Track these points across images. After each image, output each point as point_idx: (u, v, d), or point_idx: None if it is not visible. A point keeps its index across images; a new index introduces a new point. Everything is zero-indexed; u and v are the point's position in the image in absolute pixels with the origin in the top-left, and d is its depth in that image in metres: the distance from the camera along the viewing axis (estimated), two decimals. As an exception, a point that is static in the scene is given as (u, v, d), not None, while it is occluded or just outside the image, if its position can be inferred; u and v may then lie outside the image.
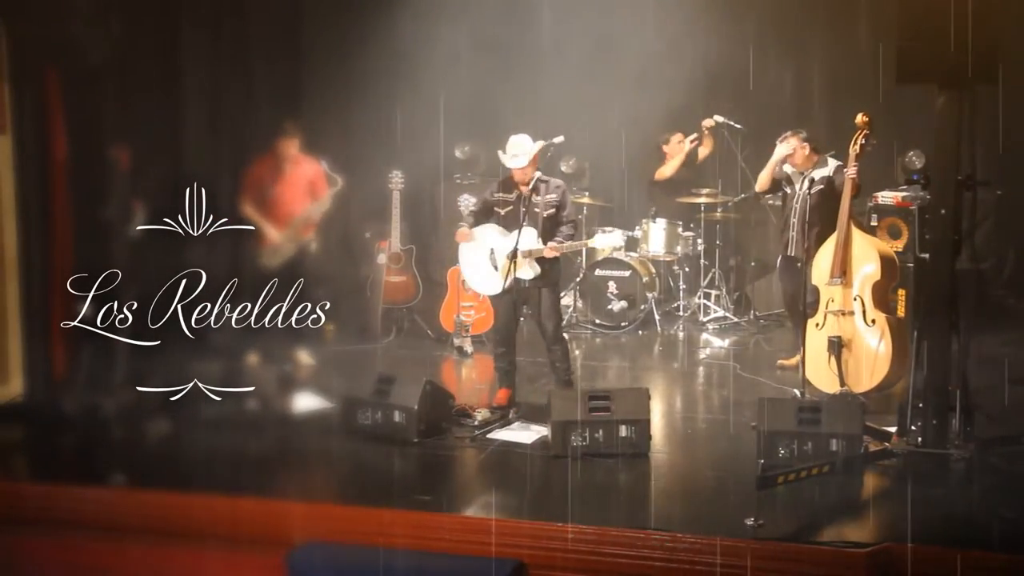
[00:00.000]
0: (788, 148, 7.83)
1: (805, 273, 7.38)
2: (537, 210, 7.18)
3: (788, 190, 7.97)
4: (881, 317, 7.21)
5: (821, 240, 7.50)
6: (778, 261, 8.29)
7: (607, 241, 7.93)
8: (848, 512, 5.83)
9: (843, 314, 7.27)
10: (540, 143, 7.14)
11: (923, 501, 5.74)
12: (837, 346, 7.18)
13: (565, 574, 5.37)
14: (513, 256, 6.96)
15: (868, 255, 7.30)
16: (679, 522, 5.52)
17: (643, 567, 5.29)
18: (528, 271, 7.16)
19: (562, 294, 8.43)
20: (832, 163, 7.79)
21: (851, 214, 7.34)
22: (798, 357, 7.52)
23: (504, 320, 7.26)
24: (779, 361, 8.39)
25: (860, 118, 7.27)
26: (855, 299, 7.26)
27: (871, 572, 5.11)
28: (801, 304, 7.45)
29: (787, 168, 7.93)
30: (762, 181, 8.08)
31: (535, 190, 7.15)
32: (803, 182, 7.73)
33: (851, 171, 7.32)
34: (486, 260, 7.31)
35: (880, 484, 6.22)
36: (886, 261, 7.32)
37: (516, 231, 7.08)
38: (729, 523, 5.40)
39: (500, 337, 7.30)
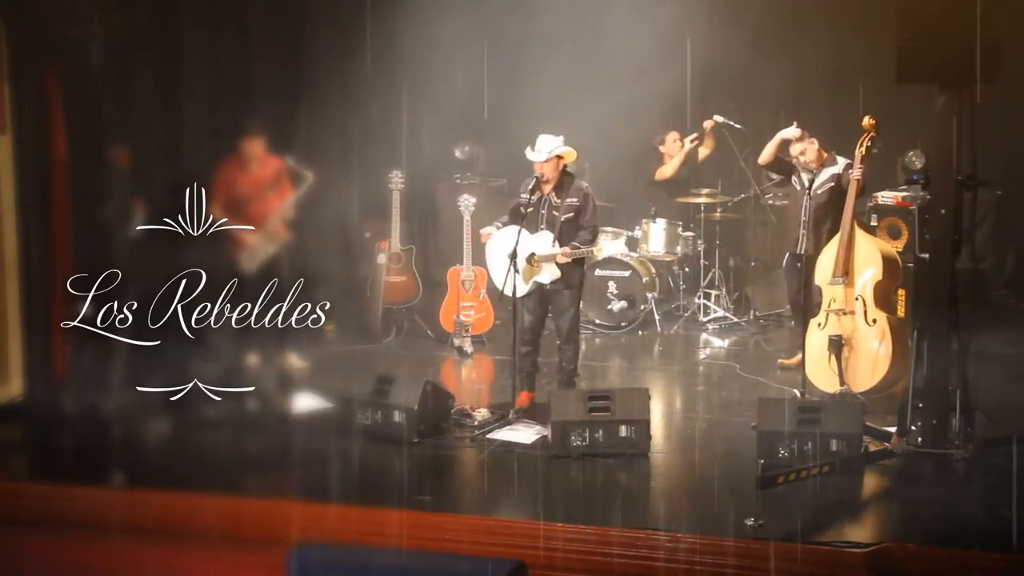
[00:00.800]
0: (793, 134, 7.84)
1: (804, 272, 7.39)
2: (556, 213, 7.18)
3: (798, 187, 7.95)
4: (882, 317, 7.21)
5: (830, 238, 7.51)
6: (785, 259, 8.26)
7: (612, 249, 8.22)
8: (848, 512, 5.83)
9: (844, 313, 7.27)
10: (561, 144, 7.11)
11: (923, 501, 5.76)
12: (838, 345, 7.18)
13: (565, 574, 5.37)
14: (513, 257, 6.94)
15: (871, 255, 7.30)
16: (679, 522, 5.52)
17: (643, 567, 5.29)
18: (546, 275, 7.16)
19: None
20: (842, 161, 7.78)
21: (855, 214, 7.35)
22: (799, 357, 7.52)
23: (530, 320, 7.24)
24: (779, 361, 8.38)
25: (867, 121, 7.29)
26: (857, 299, 7.26)
27: (871, 572, 5.11)
28: (802, 301, 7.45)
29: (797, 165, 7.91)
30: (765, 154, 8.04)
31: (557, 192, 7.16)
32: (813, 180, 7.72)
33: (856, 172, 7.34)
34: (507, 262, 7.24)
35: (880, 484, 6.23)
36: (889, 262, 7.32)
37: (536, 233, 7.12)
38: (729, 523, 5.39)
39: (526, 337, 7.26)
